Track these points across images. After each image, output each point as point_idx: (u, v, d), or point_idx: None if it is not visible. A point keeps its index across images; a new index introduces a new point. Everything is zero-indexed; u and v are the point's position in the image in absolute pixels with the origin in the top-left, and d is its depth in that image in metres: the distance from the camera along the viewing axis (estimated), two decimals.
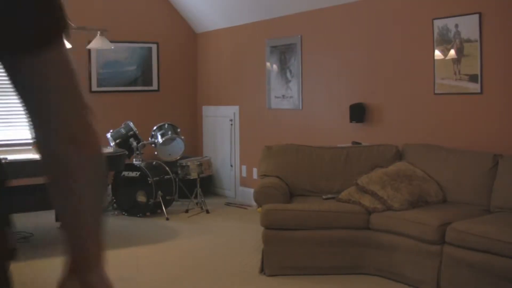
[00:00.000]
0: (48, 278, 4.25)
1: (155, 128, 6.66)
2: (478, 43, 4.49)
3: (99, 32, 5.93)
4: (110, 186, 6.55)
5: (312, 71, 6.12)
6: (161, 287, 4.10)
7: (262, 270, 4.28)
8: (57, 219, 5.80)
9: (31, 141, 7.07)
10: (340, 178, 4.80)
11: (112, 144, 6.30)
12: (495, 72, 4.44)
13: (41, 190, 5.91)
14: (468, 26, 4.55)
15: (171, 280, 4.22)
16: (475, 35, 4.50)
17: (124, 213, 6.34)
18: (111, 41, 6.15)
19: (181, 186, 6.79)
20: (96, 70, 7.20)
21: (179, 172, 6.64)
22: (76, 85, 0.98)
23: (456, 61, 4.67)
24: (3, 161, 5.08)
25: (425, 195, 4.26)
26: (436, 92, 4.86)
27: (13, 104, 6.80)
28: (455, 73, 4.69)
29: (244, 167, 7.12)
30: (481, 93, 4.52)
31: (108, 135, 6.41)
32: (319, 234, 4.22)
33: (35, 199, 5.27)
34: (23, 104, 0.98)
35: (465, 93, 4.64)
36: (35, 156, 5.14)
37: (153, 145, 6.62)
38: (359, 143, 5.30)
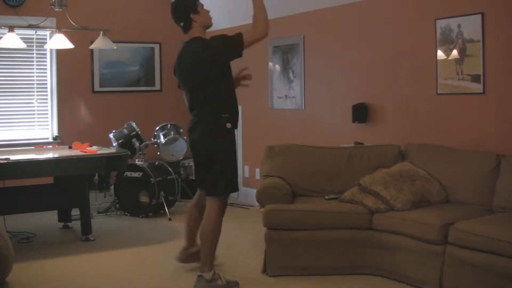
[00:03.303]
0: (50, 278, 4.26)
1: (157, 128, 6.67)
2: (481, 43, 4.48)
3: (101, 32, 5.94)
4: (112, 187, 6.56)
5: (315, 71, 6.11)
6: (163, 287, 4.10)
7: (264, 271, 4.28)
8: (59, 220, 5.81)
9: (32, 141, 7.05)
10: (342, 178, 4.79)
11: (114, 144, 6.30)
12: (498, 72, 4.43)
13: (43, 191, 5.89)
14: (470, 26, 4.55)
15: (173, 280, 4.22)
16: (477, 35, 4.50)
17: (126, 213, 6.34)
18: (114, 41, 6.15)
19: (184, 187, 6.79)
20: (98, 70, 7.21)
21: (182, 172, 6.63)
22: None
23: (459, 61, 4.66)
24: (5, 161, 4.99)
25: (428, 195, 4.25)
26: (438, 92, 4.86)
27: (15, 104, 6.81)
28: (457, 73, 4.68)
29: (246, 167, 7.12)
30: (483, 93, 4.52)
31: (111, 135, 6.42)
32: (321, 234, 4.22)
33: (38, 199, 5.27)
34: None
35: (468, 93, 4.63)
36: (37, 156, 5.16)
37: (155, 145, 6.62)
38: (362, 143, 5.30)
